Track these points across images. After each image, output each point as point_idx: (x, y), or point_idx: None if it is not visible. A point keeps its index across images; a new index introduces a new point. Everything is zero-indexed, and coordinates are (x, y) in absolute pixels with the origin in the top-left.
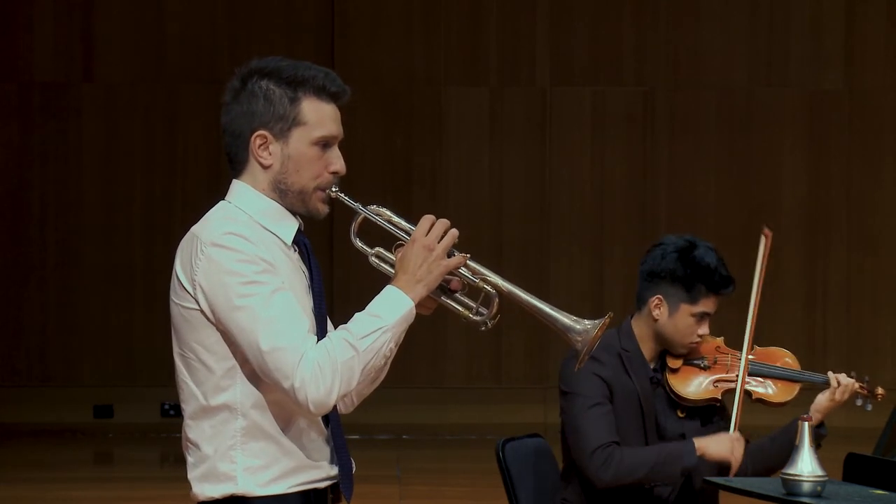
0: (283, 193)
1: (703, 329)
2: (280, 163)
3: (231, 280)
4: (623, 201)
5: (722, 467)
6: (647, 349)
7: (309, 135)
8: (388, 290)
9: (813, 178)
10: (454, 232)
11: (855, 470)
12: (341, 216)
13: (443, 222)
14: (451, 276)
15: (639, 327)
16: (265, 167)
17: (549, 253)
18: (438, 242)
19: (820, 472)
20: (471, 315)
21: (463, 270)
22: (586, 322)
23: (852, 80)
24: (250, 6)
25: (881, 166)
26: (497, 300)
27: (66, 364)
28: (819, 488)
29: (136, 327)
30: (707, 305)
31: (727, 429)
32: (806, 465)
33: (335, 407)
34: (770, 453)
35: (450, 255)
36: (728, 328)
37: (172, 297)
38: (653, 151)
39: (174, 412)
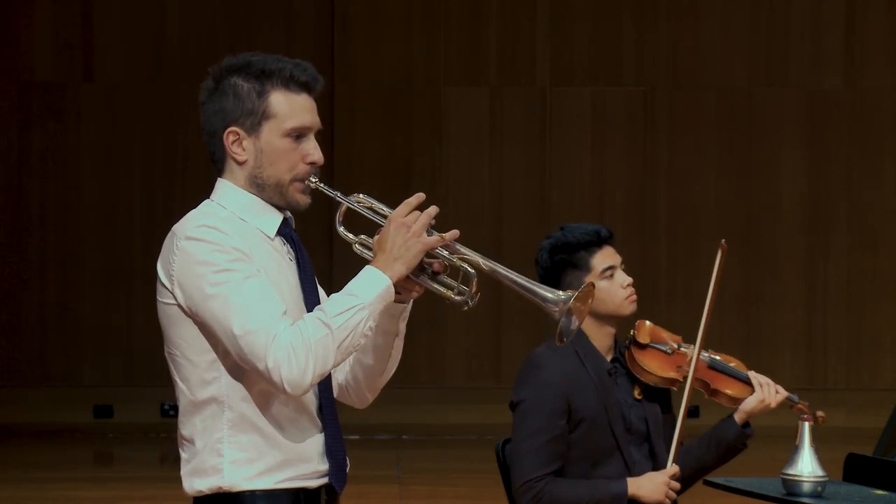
0: (261, 188)
1: (622, 278)
2: (254, 157)
3: (204, 270)
4: (623, 201)
5: None
6: (599, 343)
7: (279, 127)
8: (365, 270)
9: (813, 178)
10: (431, 210)
11: (855, 470)
12: None
13: (420, 208)
14: (432, 259)
15: (583, 327)
16: (240, 163)
17: None
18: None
19: (820, 472)
20: (453, 295)
21: (441, 250)
22: (561, 293)
23: (852, 80)
24: (250, 6)
25: (881, 166)
26: (476, 279)
27: (66, 364)
28: (819, 488)
29: (136, 327)
30: (604, 260)
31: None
32: (806, 465)
33: (332, 400)
34: (698, 455)
35: (429, 234)
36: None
37: (157, 295)
38: (653, 151)
39: (174, 412)
